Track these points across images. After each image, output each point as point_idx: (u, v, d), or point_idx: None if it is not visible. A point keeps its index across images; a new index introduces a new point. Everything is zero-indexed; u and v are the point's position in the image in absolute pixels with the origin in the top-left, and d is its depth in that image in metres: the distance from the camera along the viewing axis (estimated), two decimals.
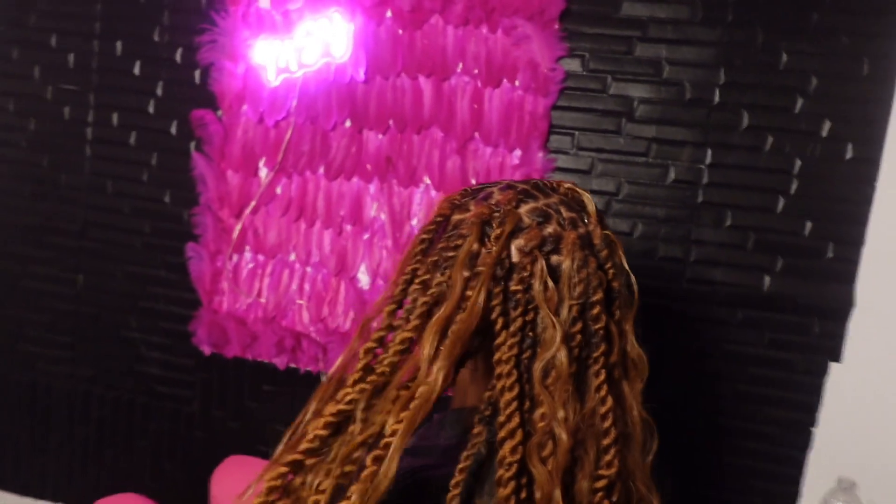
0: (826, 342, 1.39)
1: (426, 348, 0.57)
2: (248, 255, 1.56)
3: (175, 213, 1.59)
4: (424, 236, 0.64)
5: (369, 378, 0.59)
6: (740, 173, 1.38)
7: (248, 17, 1.48)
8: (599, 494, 0.58)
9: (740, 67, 1.35)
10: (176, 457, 1.66)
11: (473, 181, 1.44)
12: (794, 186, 1.36)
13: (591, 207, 0.65)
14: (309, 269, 1.53)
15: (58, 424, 1.71)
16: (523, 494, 0.55)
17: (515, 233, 0.61)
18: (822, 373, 1.39)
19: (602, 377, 0.60)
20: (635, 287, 0.66)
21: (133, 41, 1.58)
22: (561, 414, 0.57)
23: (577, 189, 0.67)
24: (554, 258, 0.60)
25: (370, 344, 0.62)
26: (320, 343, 1.52)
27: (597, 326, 0.60)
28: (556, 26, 1.38)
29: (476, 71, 1.42)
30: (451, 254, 0.61)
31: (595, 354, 0.60)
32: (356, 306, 1.51)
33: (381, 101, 1.46)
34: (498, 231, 0.59)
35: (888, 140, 1.32)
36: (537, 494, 0.56)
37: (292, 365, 1.55)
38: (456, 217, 0.64)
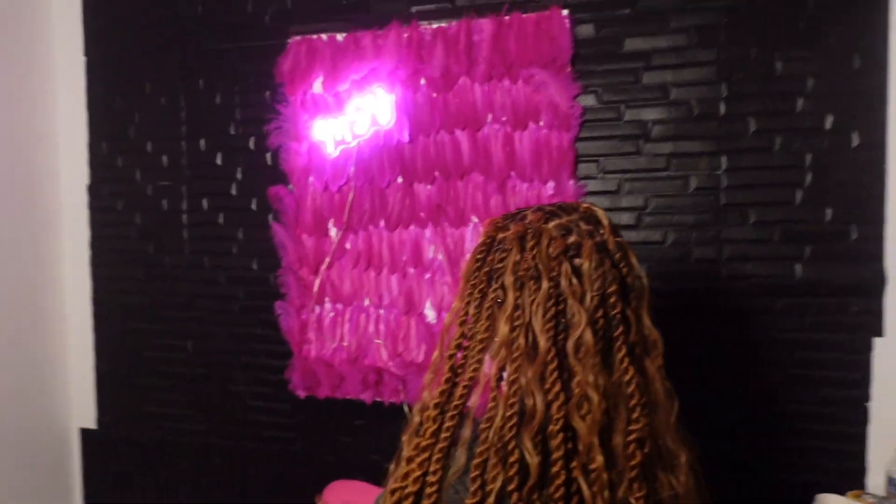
0: (866, 319, 1.48)
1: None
2: (328, 305, 1.80)
3: (263, 277, 1.86)
4: (478, 256, 0.83)
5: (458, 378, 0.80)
6: (756, 173, 1.52)
7: (305, 103, 1.76)
8: (632, 446, 0.75)
9: (740, 80, 1.51)
10: (287, 493, 1.88)
11: None
12: (808, 178, 1.49)
13: (604, 221, 0.82)
14: (382, 312, 1.75)
15: (185, 476, 1.97)
16: (570, 445, 0.74)
17: (543, 241, 0.79)
18: (867, 349, 1.49)
19: (623, 352, 0.77)
20: (645, 281, 0.82)
21: (214, 137, 1.88)
22: (591, 379, 0.74)
23: (593, 207, 0.84)
24: (576, 261, 0.78)
25: (451, 350, 0.82)
26: (399, 376, 1.72)
27: (614, 312, 0.77)
28: (569, 69, 1.58)
29: (504, 118, 1.63)
30: (500, 265, 0.80)
31: (616, 334, 0.77)
32: (426, 339, 1.71)
33: (426, 156, 1.69)
34: (531, 242, 0.78)
35: (890, 122, 1.44)
36: (580, 446, 0.73)
37: (377, 399, 1.76)
38: (500, 236, 0.83)
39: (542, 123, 1.61)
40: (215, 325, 1.91)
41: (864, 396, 1.49)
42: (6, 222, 1.86)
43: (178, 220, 1.93)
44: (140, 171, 1.95)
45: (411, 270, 1.72)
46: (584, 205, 0.84)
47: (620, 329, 0.77)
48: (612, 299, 0.77)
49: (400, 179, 1.72)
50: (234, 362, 1.90)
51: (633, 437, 0.74)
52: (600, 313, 0.76)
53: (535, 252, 0.77)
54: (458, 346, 0.81)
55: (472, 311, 0.81)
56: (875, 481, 1.49)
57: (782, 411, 1.54)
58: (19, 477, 1.91)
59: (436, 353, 0.84)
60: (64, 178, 2.01)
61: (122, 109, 1.95)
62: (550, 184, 1.61)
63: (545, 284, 0.76)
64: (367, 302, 1.76)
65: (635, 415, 0.75)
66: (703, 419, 1.56)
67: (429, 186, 1.70)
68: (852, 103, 1.46)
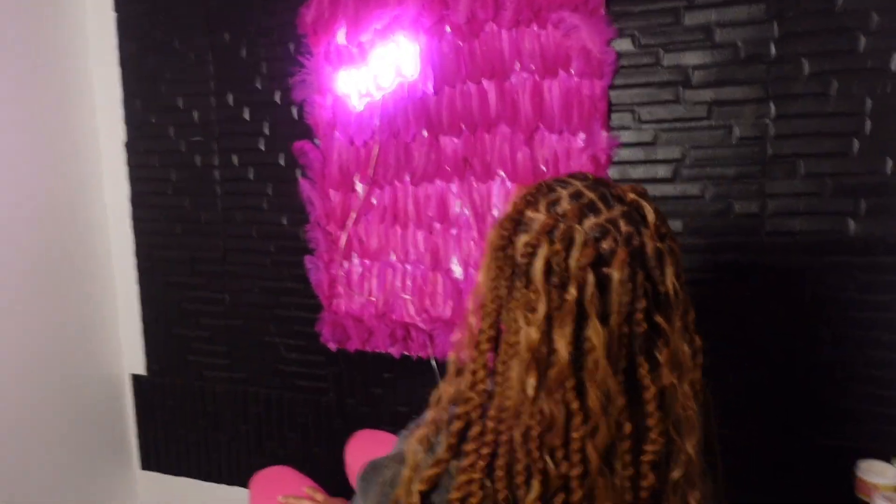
0: None
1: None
2: (356, 260, 1.68)
3: (293, 232, 1.75)
4: (503, 232, 0.69)
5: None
6: (808, 121, 1.31)
7: (329, 55, 1.60)
8: (645, 467, 0.65)
9: (794, 18, 1.28)
10: (321, 441, 1.83)
11: (543, 168, 1.47)
12: (867, 126, 1.27)
13: (650, 218, 0.66)
14: (409, 267, 1.63)
15: (225, 422, 1.94)
16: (583, 467, 0.64)
17: (574, 247, 0.64)
18: None
19: (645, 370, 0.66)
20: (681, 292, 0.68)
21: (241, 92, 1.75)
22: (602, 404, 0.63)
23: (642, 201, 0.67)
24: (604, 270, 0.64)
25: (484, 346, 0.70)
26: (426, 331, 1.61)
27: (640, 329, 0.65)
28: (602, 12, 1.38)
29: (533, 66, 1.45)
30: (525, 259, 0.66)
31: (638, 351, 0.66)
32: (453, 295, 1.58)
33: (452, 108, 1.52)
34: (559, 246, 0.64)
35: None
36: (590, 467, 0.64)
37: (405, 353, 1.66)
38: (529, 215, 0.69)
39: (573, 71, 1.42)
40: (249, 279, 1.83)
41: None
42: (54, 181, 1.79)
43: (210, 175, 1.83)
44: (173, 128, 1.85)
45: (437, 226, 1.59)
46: (632, 195, 0.68)
47: (644, 348, 0.66)
48: (639, 315, 0.64)
49: (425, 133, 1.57)
50: (268, 315, 1.83)
51: (647, 458, 0.65)
52: (625, 329, 0.64)
53: (563, 256, 0.64)
54: (489, 340, 0.69)
55: (500, 302, 0.69)
56: None
57: (829, 373, 1.37)
58: (80, 419, 1.91)
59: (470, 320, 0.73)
60: (102, 136, 1.93)
61: (152, 66, 1.83)
62: (581, 135, 1.43)
63: (572, 294, 0.63)
64: (393, 257, 1.64)
65: (653, 435, 0.65)
66: (744, 380, 1.41)
67: (454, 139, 1.54)
68: None
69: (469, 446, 0.66)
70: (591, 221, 0.65)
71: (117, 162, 1.92)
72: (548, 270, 0.64)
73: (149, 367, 2.02)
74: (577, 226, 0.64)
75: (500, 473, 0.65)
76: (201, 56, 1.78)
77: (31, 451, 1.74)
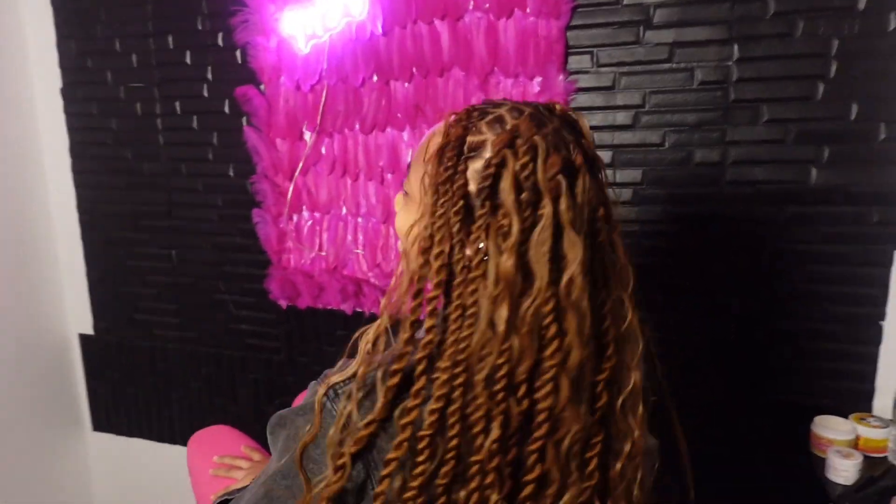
0: (887, 230, 1.24)
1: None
2: (305, 213, 1.60)
3: (239, 185, 1.66)
4: (448, 162, 0.62)
5: None
6: (772, 64, 1.24)
7: None
8: (600, 386, 0.63)
9: None
10: (273, 400, 1.77)
11: None
12: (833, 69, 1.21)
13: (585, 129, 0.65)
14: (360, 220, 1.55)
15: (175, 381, 1.87)
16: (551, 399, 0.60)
17: (539, 157, 0.60)
18: (886, 263, 1.26)
19: (602, 283, 0.64)
20: (616, 200, 0.67)
21: (181, 34, 1.63)
22: (577, 325, 0.59)
23: (570, 113, 0.66)
24: (571, 178, 0.61)
25: (435, 289, 0.61)
26: (379, 286, 1.54)
27: (601, 239, 0.63)
28: None
29: (487, 5, 1.35)
30: (487, 182, 0.60)
31: (598, 266, 0.63)
32: None
33: (403, 50, 1.43)
34: (525, 158, 0.59)
35: None
36: (561, 397, 0.60)
37: (358, 309, 1.59)
38: (472, 139, 0.63)
39: (528, 10, 1.33)
40: (196, 235, 1.74)
41: (879, 314, 1.27)
42: None
43: (153, 124, 1.72)
44: (111, 73, 1.73)
45: (389, 176, 1.51)
46: (559, 105, 0.66)
47: (600, 258, 0.63)
48: (600, 224, 0.63)
49: (375, 78, 1.47)
50: (216, 272, 1.74)
51: (604, 375, 0.63)
52: (590, 241, 0.62)
53: (531, 169, 0.59)
54: (439, 286, 0.61)
55: (451, 240, 0.61)
56: (882, 403, 1.30)
57: (788, 328, 1.33)
58: (28, 382, 1.84)
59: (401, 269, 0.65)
60: (36, 81, 1.80)
61: (87, 4, 1.70)
62: (537, 79, 1.35)
63: (547, 208, 0.58)
64: (344, 210, 1.56)
65: (609, 352, 0.63)
66: (706, 332, 1.37)
67: (406, 84, 1.45)
68: None
69: (411, 402, 0.59)
70: (545, 130, 0.61)
71: (54, 110, 1.80)
72: (517, 188, 0.59)
73: (96, 326, 1.94)
74: (536, 136, 0.61)
75: (452, 421, 0.59)
76: None
77: None
